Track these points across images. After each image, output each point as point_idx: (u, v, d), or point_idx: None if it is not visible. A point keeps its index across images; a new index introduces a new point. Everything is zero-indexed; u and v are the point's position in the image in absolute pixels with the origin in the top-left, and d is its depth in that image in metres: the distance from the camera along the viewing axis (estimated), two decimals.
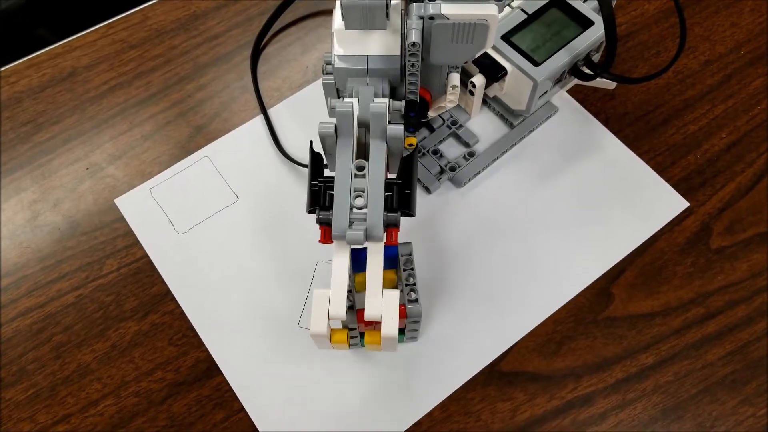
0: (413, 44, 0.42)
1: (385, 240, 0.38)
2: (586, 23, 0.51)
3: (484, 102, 0.56)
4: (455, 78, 0.49)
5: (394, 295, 0.37)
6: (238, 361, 0.47)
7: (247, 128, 0.56)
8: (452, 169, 0.53)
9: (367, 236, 0.38)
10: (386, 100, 0.42)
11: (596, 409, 0.45)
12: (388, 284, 0.47)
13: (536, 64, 0.50)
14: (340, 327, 0.41)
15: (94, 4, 0.80)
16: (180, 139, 0.55)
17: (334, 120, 0.40)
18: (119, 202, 0.53)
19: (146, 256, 0.50)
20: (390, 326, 0.37)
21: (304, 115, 0.56)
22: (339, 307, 0.37)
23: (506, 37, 0.51)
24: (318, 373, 0.46)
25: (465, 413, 0.45)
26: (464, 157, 0.54)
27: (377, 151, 0.40)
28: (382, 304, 0.37)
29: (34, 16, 0.98)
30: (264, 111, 0.56)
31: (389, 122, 0.40)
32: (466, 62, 0.45)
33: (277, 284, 0.49)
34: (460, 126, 0.55)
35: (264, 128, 0.56)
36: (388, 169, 0.41)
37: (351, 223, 0.37)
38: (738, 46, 0.60)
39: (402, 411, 0.45)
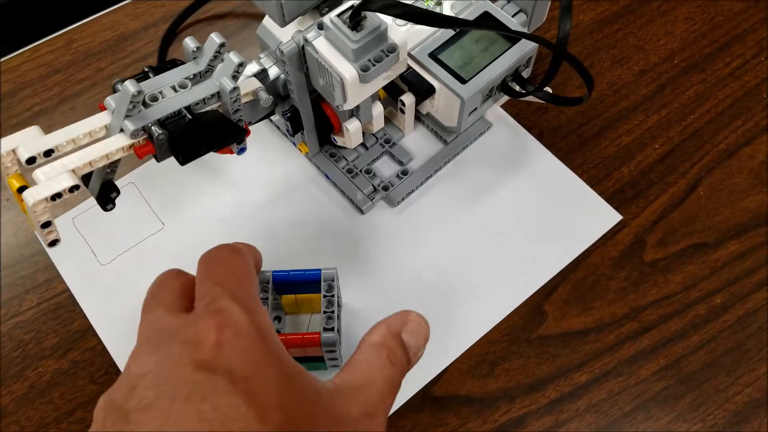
0: (280, 51, 0.40)
1: (133, 144, 0.36)
2: (513, 39, 0.50)
3: (418, 119, 0.56)
4: (350, 123, 0.48)
5: (64, 179, 0.34)
6: None
7: None
8: (385, 188, 0.52)
9: (123, 125, 0.36)
10: (255, 80, 0.42)
11: None
12: (317, 307, 0.46)
13: (463, 81, 0.49)
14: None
15: (34, 20, 0.78)
16: None
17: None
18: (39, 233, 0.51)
19: (68, 290, 0.49)
20: (37, 192, 0.34)
21: None
22: (36, 147, 0.34)
23: (434, 55, 0.50)
24: None
25: None
26: (398, 175, 0.53)
27: (206, 85, 0.38)
28: (58, 174, 0.34)
29: None
30: None
31: (235, 76, 0.38)
32: (337, 107, 0.43)
33: None
34: (394, 144, 0.54)
35: None
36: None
37: (131, 109, 0.35)
38: (672, 55, 0.60)
39: None
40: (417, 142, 0.55)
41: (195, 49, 0.38)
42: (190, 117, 0.37)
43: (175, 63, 0.40)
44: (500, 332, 0.47)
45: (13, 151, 0.35)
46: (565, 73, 0.59)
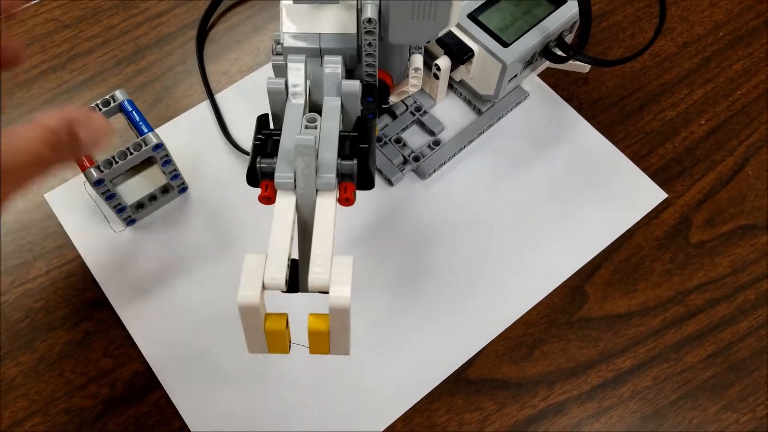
0: (369, 21, 0.37)
1: (338, 194, 0.33)
2: (558, 1, 0.47)
3: (450, 86, 0.52)
4: (418, 60, 0.45)
5: (347, 260, 0.30)
6: (179, 374, 0.42)
7: (191, 114, 0.51)
8: (416, 159, 0.49)
9: (317, 186, 0.32)
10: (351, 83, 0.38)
11: (570, 419, 0.41)
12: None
13: (505, 45, 0.46)
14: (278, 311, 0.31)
15: None
16: (118, 127, 0.50)
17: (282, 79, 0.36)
18: (49, 197, 0.48)
19: (79, 257, 0.46)
20: (341, 290, 0.28)
21: (254, 101, 0.52)
22: (278, 271, 0.29)
23: (473, 16, 0.47)
24: (268, 387, 0.42)
25: (429, 426, 0.41)
26: (429, 146, 0.50)
27: (331, 105, 0.35)
28: (332, 269, 0.29)
29: None
30: (211, 96, 0.52)
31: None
32: (429, 42, 0.41)
33: (225, 286, 0.45)
34: (425, 112, 0.51)
35: (211, 115, 0.51)
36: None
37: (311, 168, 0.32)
38: (717, 27, 0.57)
39: (359, 425, 0.41)
40: (448, 111, 0.52)
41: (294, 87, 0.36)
42: (353, 135, 0.34)
43: (264, 121, 0.36)
44: (538, 314, 0.44)
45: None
46: (606, 42, 0.56)
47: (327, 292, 0.29)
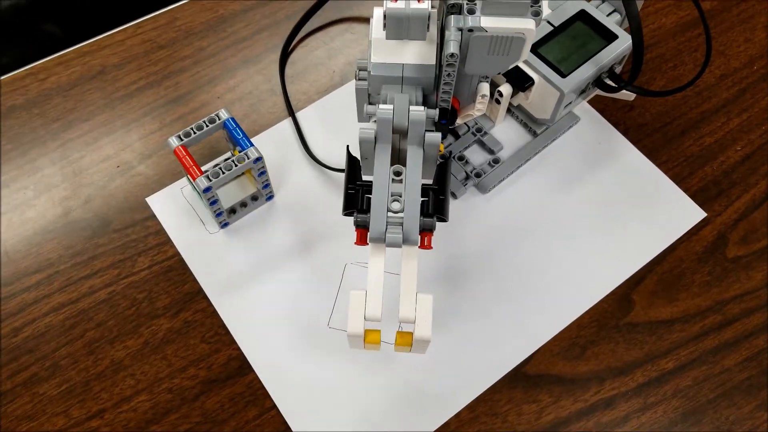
0: (452, 55, 0.43)
1: (419, 244, 0.40)
2: (610, 37, 0.52)
3: (508, 110, 0.58)
4: (485, 87, 0.50)
5: (428, 298, 0.38)
6: (269, 360, 0.48)
7: (275, 130, 0.57)
8: (478, 175, 0.54)
9: (403, 240, 0.39)
10: (422, 107, 0.43)
11: (619, 412, 0.46)
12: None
13: (563, 75, 0.51)
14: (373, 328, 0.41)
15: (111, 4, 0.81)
16: (209, 139, 0.56)
17: (373, 125, 0.41)
18: (150, 200, 0.53)
19: (178, 254, 0.51)
20: (424, 329, 0.38)
21: (331, 119, 0.57)
22: (375, 309, 0.38)
23: (533, 48, 0.52)
24: (347, 373, 0.47)
25: (492, 414, 0.46)
26: (489, 163, 0.55)
27: (414, 157, 0.41)
28: (416, 306, 0.38)
29: (42, 13, 0.99)
30: (292, 114, 0.57)
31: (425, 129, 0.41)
32: (499, 73, 0.46)
33: (307, 285, 0.50)
34: (485, 133, 0.56)
35: (292, 131, 0.57)
36: None
37: (387, 227, 0.39)
38: (751, 61, 0.62)
39: (430, 411, 0.46)
40: (506, 133, 0.57)
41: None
42: (425, 197, 0.40)
43: (354, 159, 0.42)
44: (590, 318, 0.49)
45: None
46: (650, 72, 0.61)
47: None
